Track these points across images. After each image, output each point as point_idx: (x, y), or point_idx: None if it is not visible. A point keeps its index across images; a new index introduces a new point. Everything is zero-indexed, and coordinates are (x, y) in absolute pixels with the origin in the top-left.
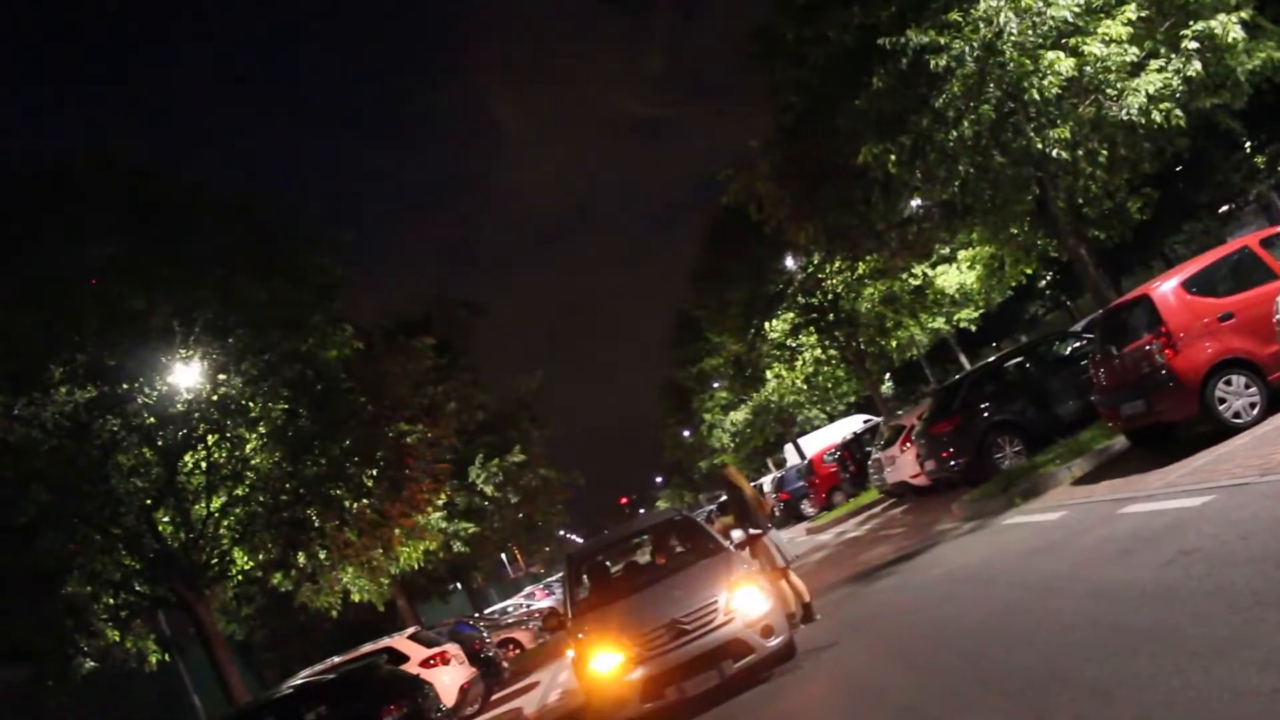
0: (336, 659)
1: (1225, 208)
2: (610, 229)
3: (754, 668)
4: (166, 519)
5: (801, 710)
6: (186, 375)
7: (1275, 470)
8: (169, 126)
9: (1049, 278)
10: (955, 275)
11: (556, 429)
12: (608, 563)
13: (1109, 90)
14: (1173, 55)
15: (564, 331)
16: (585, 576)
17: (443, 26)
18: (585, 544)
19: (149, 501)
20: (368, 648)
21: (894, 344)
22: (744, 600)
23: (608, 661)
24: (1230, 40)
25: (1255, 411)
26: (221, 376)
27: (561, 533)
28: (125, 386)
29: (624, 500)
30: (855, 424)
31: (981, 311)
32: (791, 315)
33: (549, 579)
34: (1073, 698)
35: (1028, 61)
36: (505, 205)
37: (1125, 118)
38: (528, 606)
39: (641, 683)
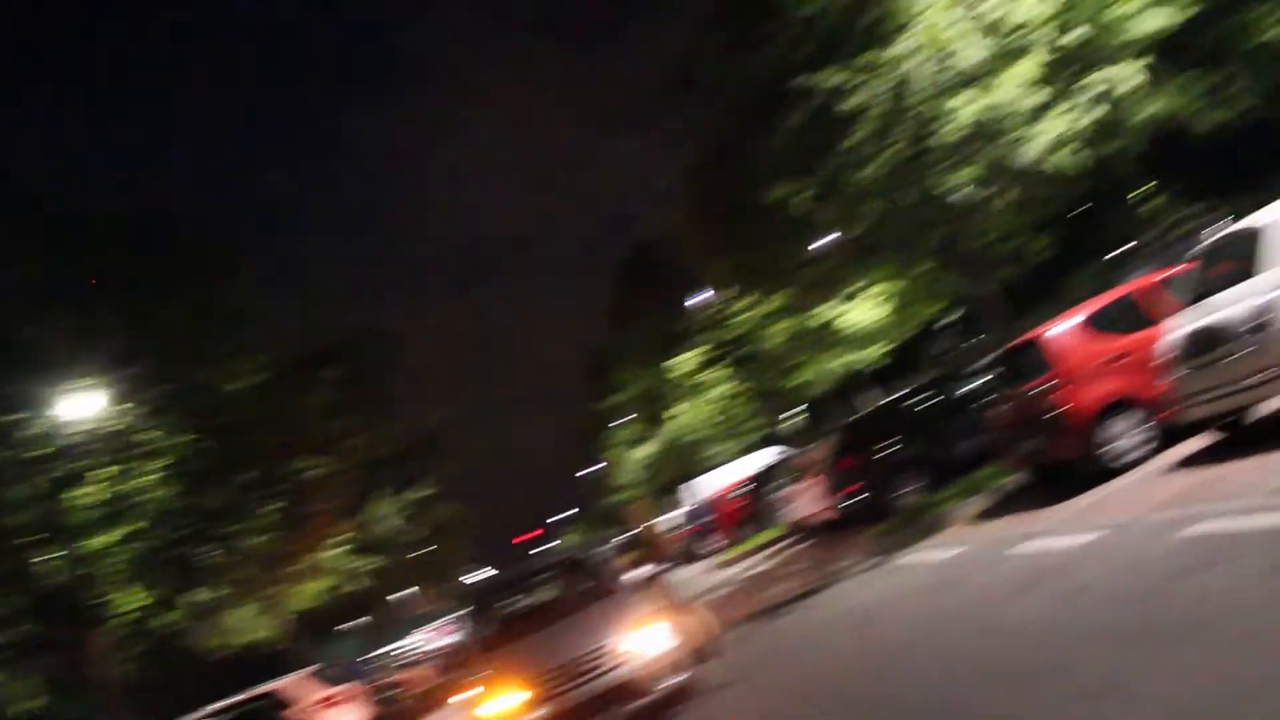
0: (218, 704)
1: (1123, 249)
2: (534, 261)
3: (651, 709)
4: (54, 555)
5: None
6: (85, 405)
7: (1161, 509)
8: (65, 131)
9: (954, 315)
10: (864, 312)
11: (468, 463)
12: (509, 601)
13: (1011, 136)
14: (1075, 101)
15: (481, 364)
16: (485, 615)
17: (370, 45)
18: (486, 581)
19: (34, 537)
20: (255, 690)
21: (799, 381)
22: (641, 641)
23: (507, 702)
24: (1130, 89)
25: (1143, 450)
26: (124, 406)
27: (466, 571)
28: (13, 417)
29: (531, 534)
30: (768, 456)
31: (892, 347)
32: (701, 350)
33: (451, 616)
34: None
35: (935, 105)
36: (429, 234)
37: (1026, 162)
38: (428, 645)
39: None
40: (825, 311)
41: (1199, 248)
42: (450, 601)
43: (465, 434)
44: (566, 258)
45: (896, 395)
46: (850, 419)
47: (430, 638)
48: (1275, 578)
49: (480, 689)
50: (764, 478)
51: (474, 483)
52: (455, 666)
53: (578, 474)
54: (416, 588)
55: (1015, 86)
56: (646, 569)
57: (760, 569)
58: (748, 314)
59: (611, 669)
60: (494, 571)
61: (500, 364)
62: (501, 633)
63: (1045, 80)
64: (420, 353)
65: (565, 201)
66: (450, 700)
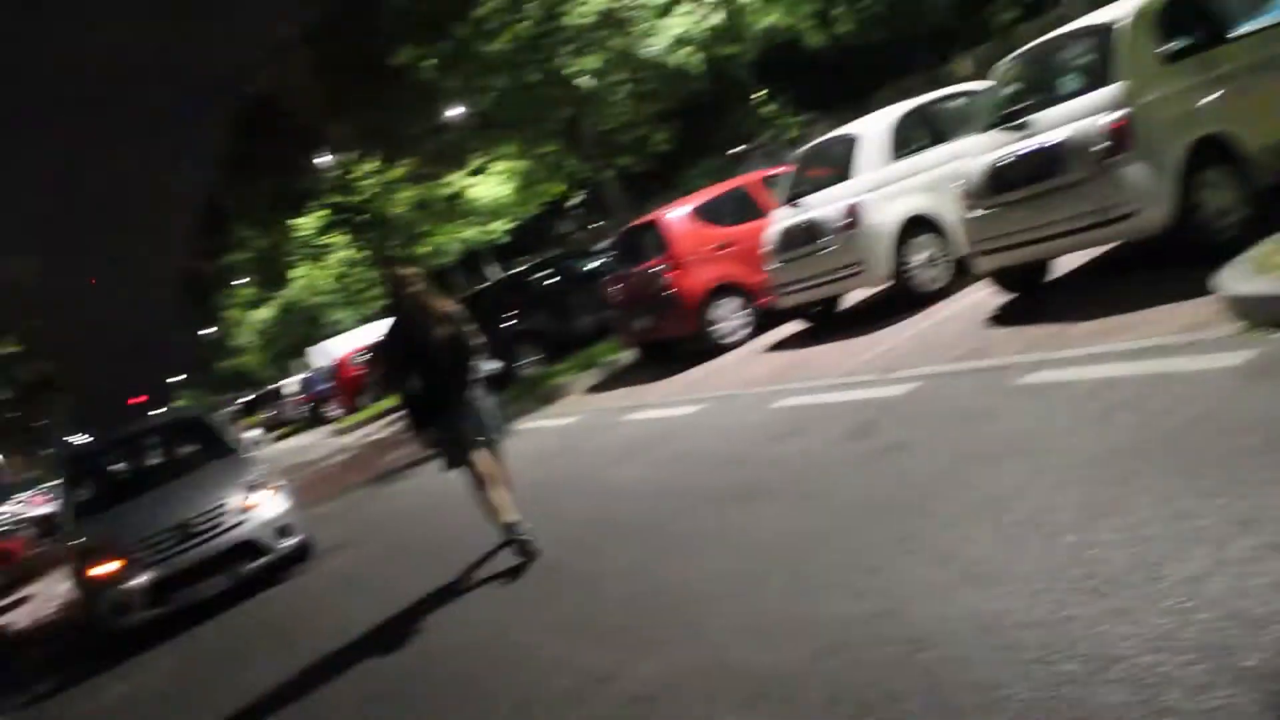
0: None
1: (736, 149)
2: (143, 103)
3: (269, 568)
4: None
5: (306, 610)
6: None
7: (755, 385)
8: None
9: (580, 198)
10: (490, 187)
11: (63, 321)
12: (113, 464)
13: (639, 26)
14: (699, 4)
15: (78, 213)
16: (88, 478)
17: None
18: (88, 443)
19: None
20: None
21: (425, 250)
22: (259, 501)
23: (108, 567)
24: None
25: (744, 332)
26: None
27: (67, 437)
28: None
29: (138, 400)
30: (386, 327)
31: (514, 225)
32: (323, 213)
33: (48, 484)
34: (565, 586)
35: None
36: (26, 60)
37: (650, 54)
38: (21, 514)
39: (145, 588)
40: (454, 182)
41: (799, 150)
42: (48, 468)
43: (65, 289)
44: (183, 100)
45: (519, 270)
46: (472, 291)
47: (22, 508)
48: (843, 444)
49: (87, 553)
50: (384, 346)
51: (76, 342)
52: (59, 534)
53: (198, 333)
54: (10, 452)
55: None
56: (256, 431)
57: (381, 435)
58: (373, 179)
59: (227, 529)
60: (91, 438)
61: (109, 213)
62: (110, 495)
63: None
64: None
65: (184, 37)
66: (55, 568)
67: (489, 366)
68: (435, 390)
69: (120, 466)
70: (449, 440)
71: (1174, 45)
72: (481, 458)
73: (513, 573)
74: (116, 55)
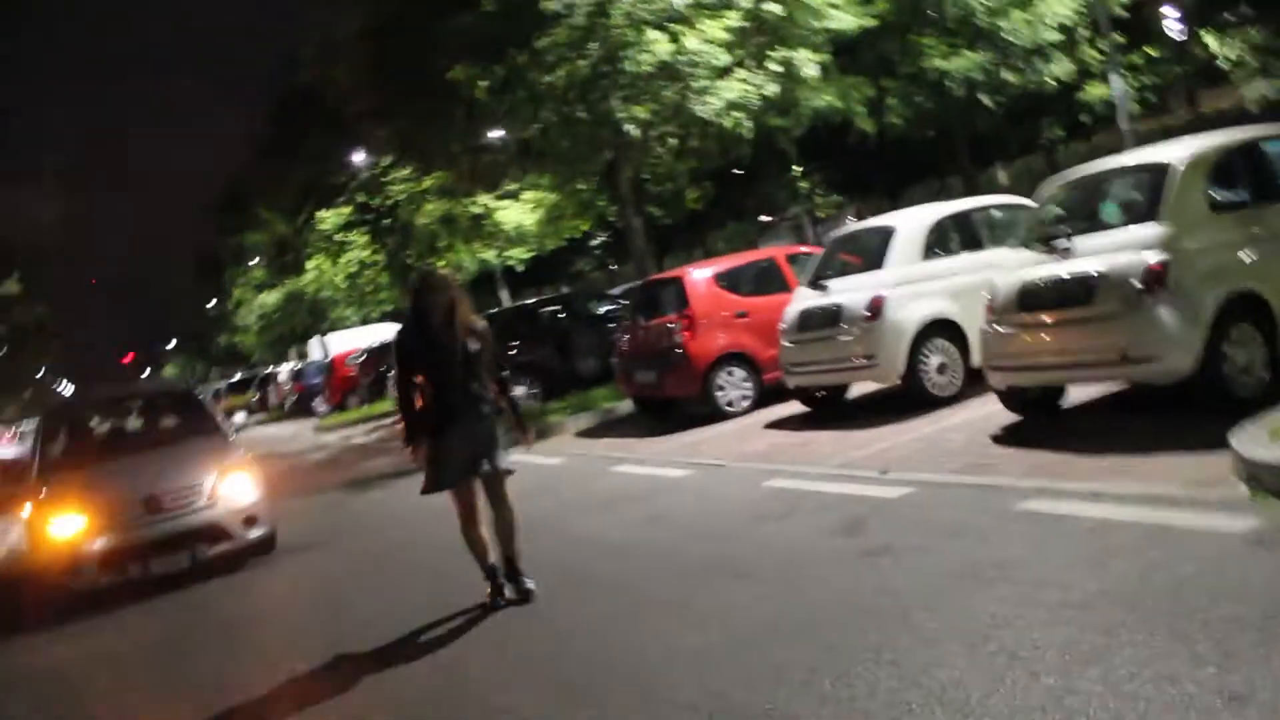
0: None
1: (766, 218)
2: (185, 71)
3: (230, 555)
4: None
5: (257, 606)
6: None
7: (749, 459)
8: None
9: (601, 239)
10: (516, 213)
11: (68, 269)
12: (92, 423)
13: (696, 84)
14: (757, 71)
15: (101, 161)
16: (63, 434)
17: None
18: (69, 399)
19: None
20: None
21: (441, 263)
22: (232, 486)
23: (68, 525)
24: (805, 75)
25: (745, 404)
26: None
27: (52, 383)
28: None
29: (129, 358)
30: (388, 333)
31: (533, 254)
32: (348, 210)
33: (21, 426)
34: (526, 632)
35: (631, 33)
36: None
37: (702, 113)
38: None
39: (103, 553)
40: (483, 202)
41: (834, 234)
42: (22, 411)
43: (79, 239)
44: (225, 75)
45: (530, 301)
46: (480, 314)
47: None
48: (830, 537)
49: (47, 507)
50: (381, 353)
51: (76, 293)
52: (18, 480)
53: (203, 305)
54: None
55: (709, 41)
56: (240, 416)
57: (363, 440)
58: (403, 185)
59: (196, 510)
60: (71, 388)
61: (131, 170)
62: (82, 454)
63: (738, 45)
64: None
65: (232, 14)
66: (7, 513)
67: (518, 391)
68: (444, 403)
69: (101, 427)
70: (442, 459)
71: (1225, 196)
72: (479, 488)
73: (476, 608)
74: (180, 21)
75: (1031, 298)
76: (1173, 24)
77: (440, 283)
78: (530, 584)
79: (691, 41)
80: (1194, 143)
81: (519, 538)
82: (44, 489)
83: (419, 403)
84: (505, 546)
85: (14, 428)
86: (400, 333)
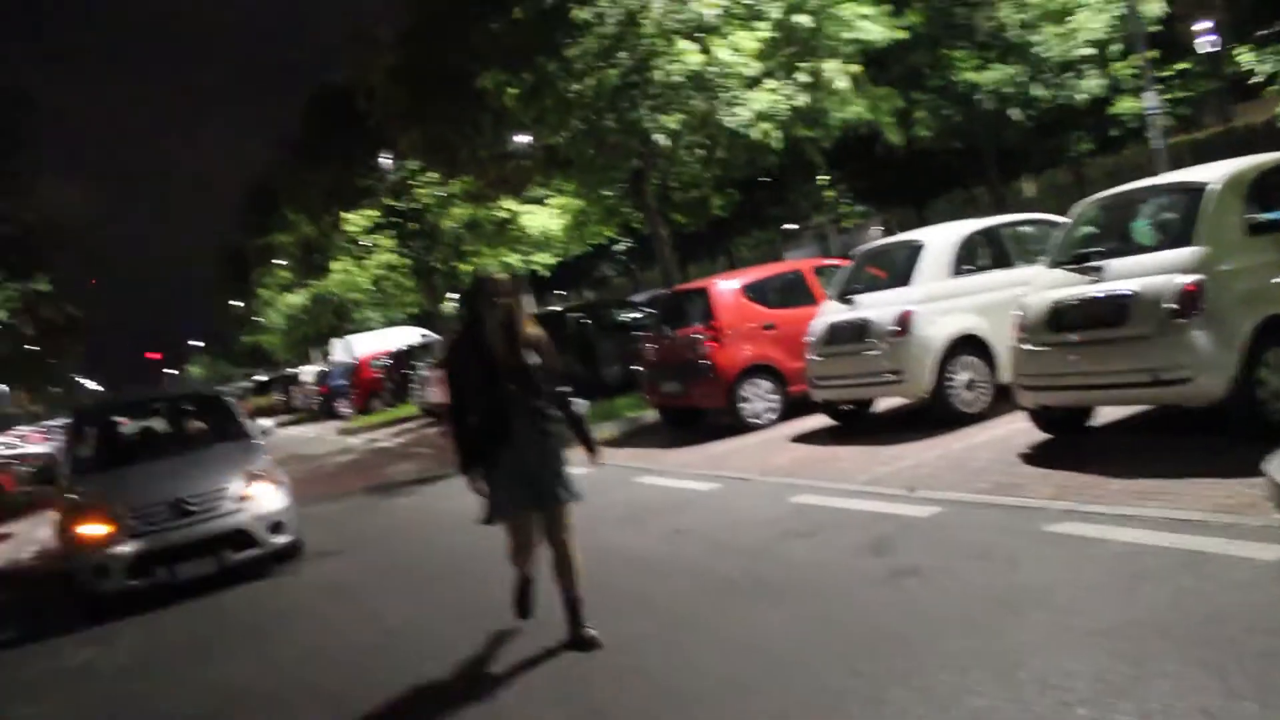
0: None
1: (790, 226)
2: (224, 67)
3: (259, 561)
4: None
5: (283, 611)
6: None
7: (774, 473)
8: None
9: (626, 246)
10: (542, 219)
11: (98, 263)
12: (121, 425)
13: (726, 95)
14: (787, 82)
15: (136, 160)
16: (95, 434)
17: None
18: (99, 399)
19: None
20: None
21: (466, 268)
22: (259, 492)
23: (97, 528)
24: (835, 87)
25: (771, 416)
26: None
27: (79, 379)
28: None
29: (154, 356)
30: (412, 336)
31: (559, 260)
32: (374, 213)
33: (50, 422)
34: (552, 648)
35: (662, 42)
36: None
37: (731, 124)
38: (16, 447)
39: (130, 557)
40: (511, 207)
41: (861, 247)
42: (53, 406)
43: (108, 236)
44: (254, 74)
45: (553, 308)
46: None
47: (26, 441)
48: (858, 557)
49: (76, 508)
50: (410, 354)
51: (105, 291)
52: (49, 480)
53: (228, 303)
54: (5, 387)
55: (739, 52)
56: (268, 421)
57: (388, 444)
58: (430, 189)
59: (222, 515)
60: (100, 388)
61: (166, 169)
62: (112, 455)
63: (768, 56)
64: (79, 135)
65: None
66: (39, 511)
67: (578, 406)
68: (502, 423)
69: (130, 430)
70: (501, 485)
71: (1262, 217)
72: (537, 521)
73: (506, 620)
74: (212, 20)
75: (1063, 318)
76: (1205, 39)
77: (497, 287)
78: (593, 633)
79: (722, 52)
80: (1230, 164)
81: (582, 579)
82: (74, 490)
83: (472, 422)
84: (567, 588)
85: (44, 424)
86: (451, 344)
